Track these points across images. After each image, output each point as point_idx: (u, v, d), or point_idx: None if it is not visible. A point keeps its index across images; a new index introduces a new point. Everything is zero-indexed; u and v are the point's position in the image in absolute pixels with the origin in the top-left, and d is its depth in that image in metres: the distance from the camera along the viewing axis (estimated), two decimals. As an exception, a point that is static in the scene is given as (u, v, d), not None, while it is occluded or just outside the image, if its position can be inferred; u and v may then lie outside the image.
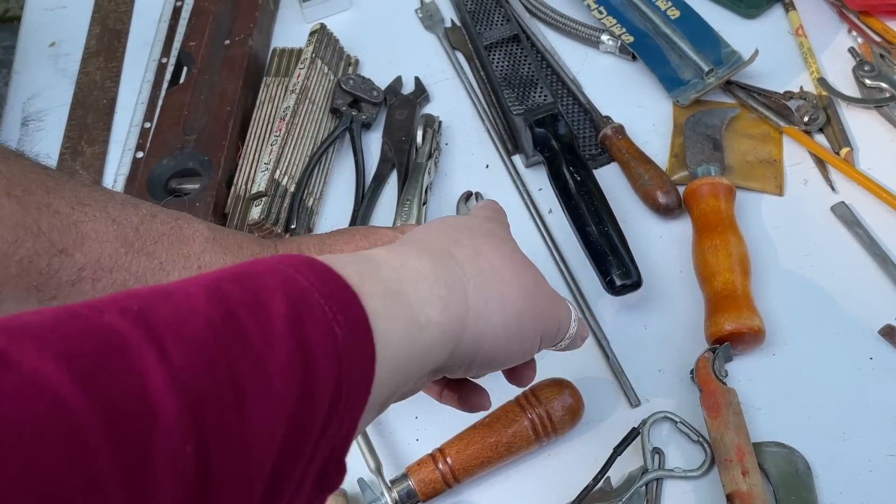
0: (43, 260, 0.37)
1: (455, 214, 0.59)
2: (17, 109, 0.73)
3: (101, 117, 0.70)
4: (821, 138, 0.60)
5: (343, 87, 0.65)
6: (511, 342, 0.34)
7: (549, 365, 0.51)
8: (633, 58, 0.67)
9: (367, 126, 0.65)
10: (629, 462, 0.48)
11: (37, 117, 0.72)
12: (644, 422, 0.47)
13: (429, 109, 0.67)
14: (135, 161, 0.67)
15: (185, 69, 0.70)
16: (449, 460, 0.46)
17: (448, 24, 0.72)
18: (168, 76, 0.71)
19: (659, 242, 0.57)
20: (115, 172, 0.66)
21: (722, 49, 0.64)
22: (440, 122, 0.64)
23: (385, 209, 0.61)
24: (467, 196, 0.60)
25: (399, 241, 0.36)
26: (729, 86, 0.63)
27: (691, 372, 0.49)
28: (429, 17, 0.73)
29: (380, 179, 0.63)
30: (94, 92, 0.72)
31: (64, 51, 0.76)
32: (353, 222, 0.60)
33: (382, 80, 0.68)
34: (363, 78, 0.66)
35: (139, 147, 0.67)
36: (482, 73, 0.68)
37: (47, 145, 0.69)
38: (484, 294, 0.33)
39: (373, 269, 0.30)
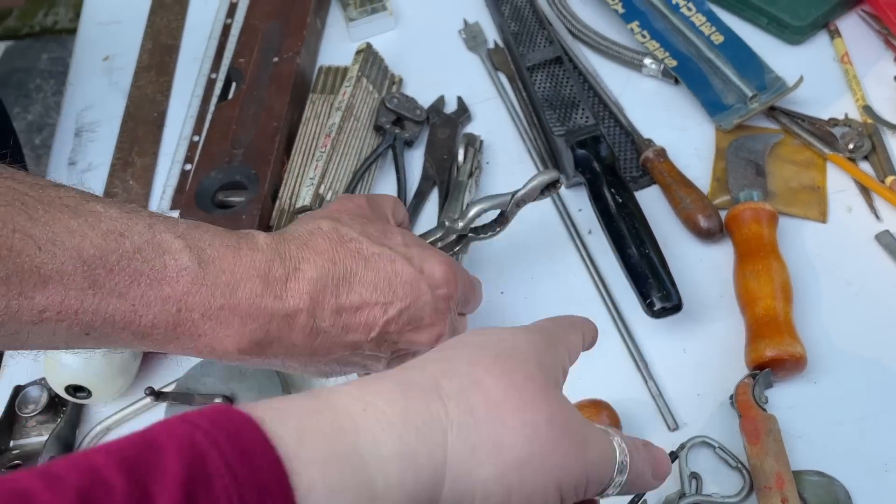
0: (1, 302, 0.35)
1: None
2: (71, 120, 0.75)
3: (152, 130, 0.73)
4: (865, 166, 0.60)
5: (387, 105, 0.66)
6: (511, 500, 0.28)
7: (586, 386, 0.51)
8: (676, 81, 0.67)
9: (409, 144, 0.66)
10: (666, 486, 0.47)
11: (90, 128, 0.74)
12: (682, 446, 0.47)
13: (470, 128, 0.68)
14: (183, 173, 0.69)
15: (233, 85, 0.71)
16: (485, 477, 0.47)
17: (491, 46, 0.73)
18: (217, 91, 0.73)
19: (699, 266, 0.57)
20: (164, 184, 0.68)
21: (766, 75, 0.64)
22: (482, 142, 0.65)
23: (426, 225, 0.62)
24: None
25: (380, 374, 0.31)
26: (772, 111, 0.63)
27: (731, 397, 0.49)
28: (472, 38, 0.74)
29: (421, 196, 0.63)
30: (146, 105, 0.74)
31: (117, 64, 0.79)
32: (393, 238, 0.61)
33: (425, 99, 0.69)
34: (407, 97, 0.68)
35: (187, 159, 0.69)
36: (524, 93, 0.69)
37: (99, 155, 0.71)
38: (471, 441, 0.28)
39: (321, 420, 0.26)
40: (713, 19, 0.68)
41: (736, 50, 0.66)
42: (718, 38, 0.67)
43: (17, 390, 0.56)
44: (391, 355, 0.45)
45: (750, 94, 0.63)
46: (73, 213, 0.37)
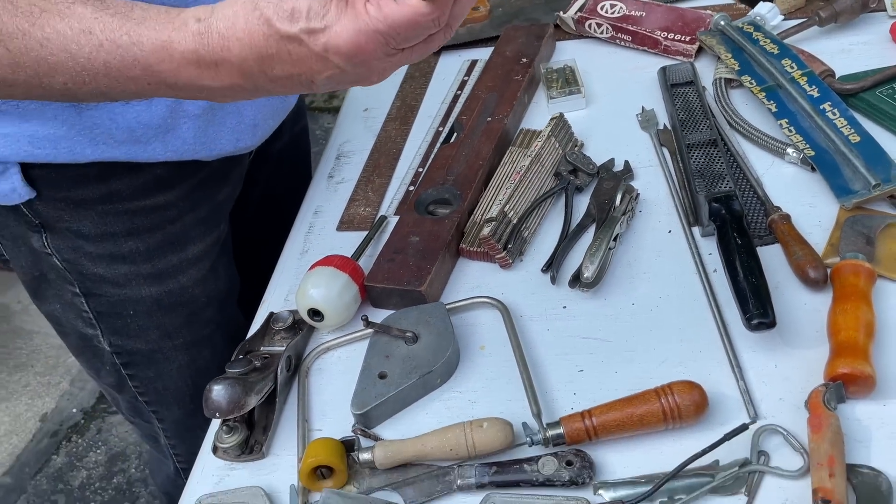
0: (36, 85, 0.57)
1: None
2: (335, 148, 1.02)
3: (390, 160, 0.97)
4: (971, 250, 0.69)
5: (567, 158, 0.85)
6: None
7: (687, 371, 0.65)
8: (812, 169, 0.80)
9: (579, 189, 0.84)
10: (736, 456, 0.59)
11: (346, 155, 1.00)
12: (754, 420, 0.59)
13: (631, 184, 0.84)
14: (407, 192, 0.91)
15: (454, 134, 0.94)
16: (594, 420, 0.61)
17: (660, 127, 0.91)
18: (441, 139, 0.96)
19: (803, 308, 0.68)
20: (392, 197, 0.91)
21: (893, 170, 0.76)
22: (638, 194, 0.82)
23: (582, 249, 0.79)
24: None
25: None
26: (893, 199, 0.74)
27: (805, 402, 0.60)
28: (646, 120, 0.92)
29: (581, 228, 0.81)
30: (388, 143, 0.99)
31: (372, 115, 1.05)
32: (553, 253, 0.78)
33: (599, 159, 0.87)
34: (584, 154, 0.86)
35: (412, 182, 0.92)
36: (681, 164, 0.85)
37: (350, 173, 0.96)
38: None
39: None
40: (853, 123, 0.81)
41: (869, 148, 0.78)
42: (855, 138, 0.80)
43: (271, 315, 0.79)
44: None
45: (874, 182, 0.74)
46: (61, 17, 0.54)
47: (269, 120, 0.85)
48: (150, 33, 0.53)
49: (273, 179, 1.00)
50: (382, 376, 0.68)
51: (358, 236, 0.87)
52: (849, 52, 0.94)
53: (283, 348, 0.75)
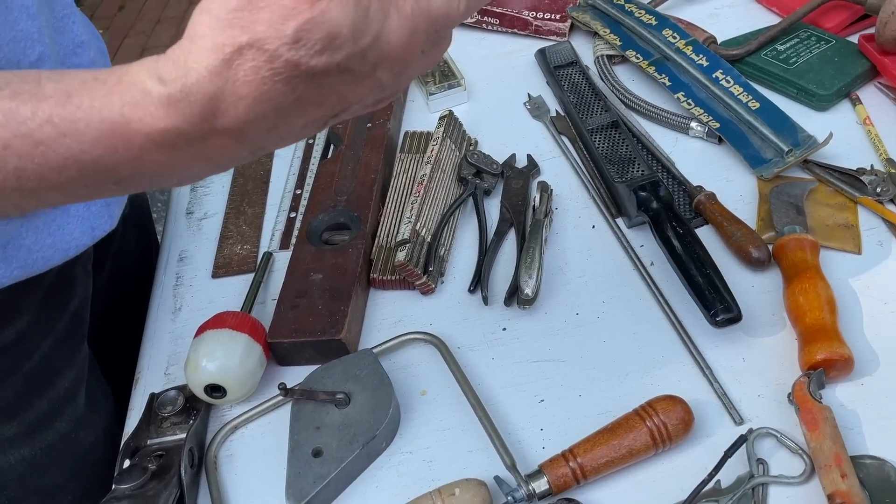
0: None
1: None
2: (187, 178, 0.86)
3: (259, 185, 0.83)
4: (892, 206, 0.68)
5: (469, 160, 0.77)
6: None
7: (661, 389, 0.59)
8: (720, 141, 0.77)
9: (487, 192, 0.76)
10: (736, 471, 0.54)
11: (203, 184, 0.85)
12: (750, 430, 0.54)
13: (539, 180, 0.77)
14: (288, 219, 0.78)
15: (332, 147, 0.83)
16: (579, 460, 0.53)
17: (553, 114, 0.84)
18: (315, 154, 0.84)
19: (752, 292, 0.65)
20: (273, 228, 0.78)
21: (799, 133, 0.74)
22: (552, 189, 0.75)
23: (505, 259, 0.71)
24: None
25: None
26: (806, 164, 0.72)
27: (789, 395, 0.56)
28: (536, 108, 0.85)
29: (500, 235, 0.73)
30: (251, 165, 0.85)
31: (224, 133, 0.91)
32: (478, 269, 0.70)
33: (499, 157, 0.79)
34: (484, 154, 0.78)
35: (292, 208, 0.79)
36: (585, 152, 0.79)
37: (214, 206, 0.82)
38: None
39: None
40: (749, 89, 0.79)
41: (771, 114, 0.77)
42: (755, 105, 0.78)
43: (153, 397, 0.64)
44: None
45: (786, 148, 0.72)
46: None
47: None
48: (88, 114, 0.35)
49: (120, 254, 0.81)
50: (317, 453, 0.57)
51: (240, 281, 0.73)
52: (716, 16, 0.93)
53: (180, 437, 0.61)
